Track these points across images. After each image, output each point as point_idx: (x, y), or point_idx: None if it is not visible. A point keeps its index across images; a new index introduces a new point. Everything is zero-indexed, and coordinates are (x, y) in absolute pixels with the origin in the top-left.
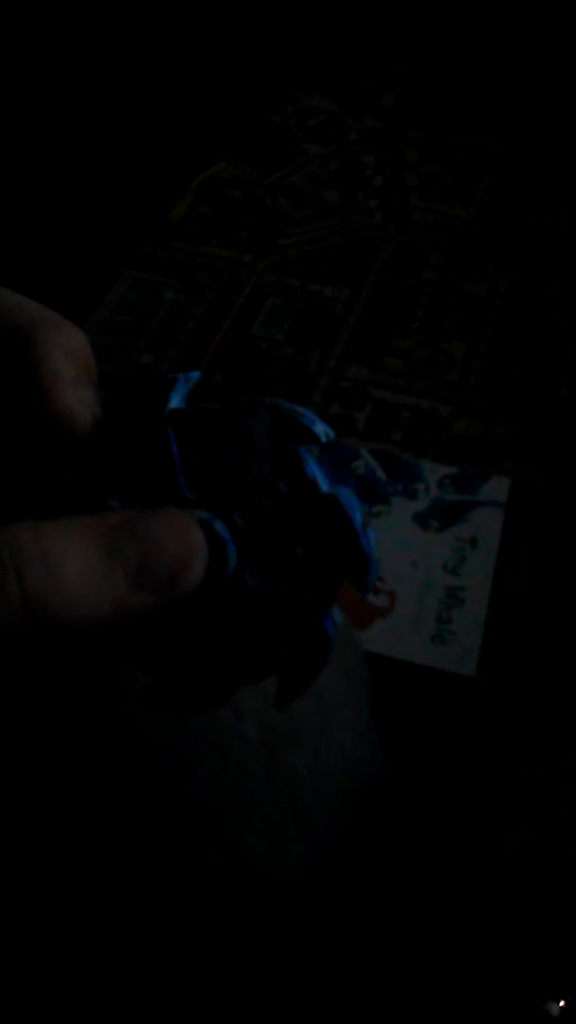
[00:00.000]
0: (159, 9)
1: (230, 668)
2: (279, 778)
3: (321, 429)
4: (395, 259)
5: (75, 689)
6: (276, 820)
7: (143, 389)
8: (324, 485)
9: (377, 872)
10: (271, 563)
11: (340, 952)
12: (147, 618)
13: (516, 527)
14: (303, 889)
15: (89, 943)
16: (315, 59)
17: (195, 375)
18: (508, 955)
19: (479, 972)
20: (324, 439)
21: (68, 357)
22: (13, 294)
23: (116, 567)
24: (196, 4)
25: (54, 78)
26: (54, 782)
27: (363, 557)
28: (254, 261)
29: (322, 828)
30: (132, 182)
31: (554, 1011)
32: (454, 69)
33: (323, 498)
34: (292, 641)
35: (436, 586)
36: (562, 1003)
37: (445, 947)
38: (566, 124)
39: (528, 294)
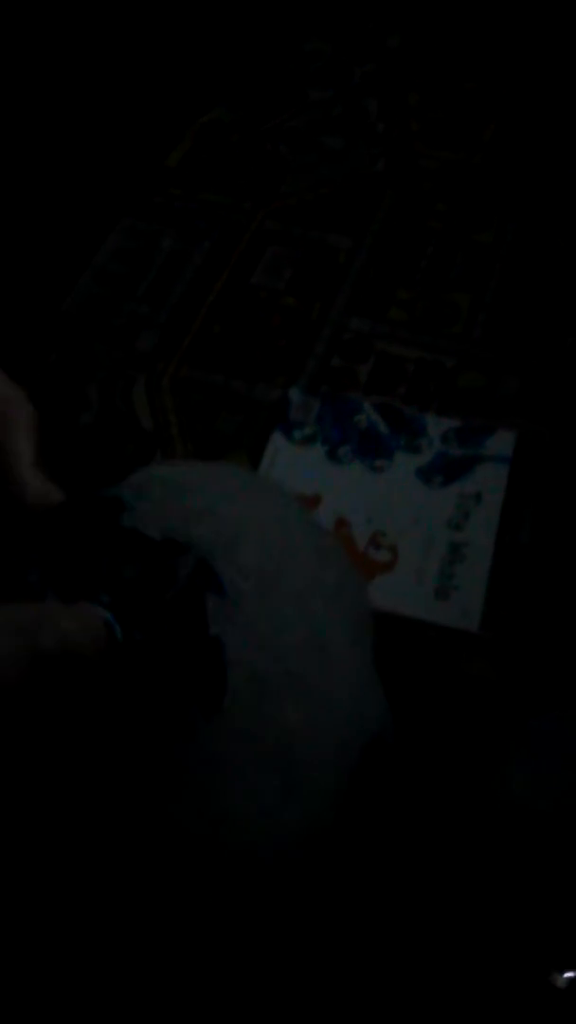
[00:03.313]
0: None
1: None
2: (270, 735)
3: (226, 590)
4: (399, 207)
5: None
6: (267, 781)
7: (95, 508)
8: (212, 630)
9: (379, 836)
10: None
11: (340, 923)
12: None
13: (522, 482)
14: (299, 855)
15: (60, 927)
16: (316, 0)
17: (141, 504)
18: (514, 927)
19: (485, 944)
20: (227, 594)
21: (30, 439)
22: None
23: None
24: None
25: (47, 22)
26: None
27: (219, 686)
28: (254, 208)
29: (319, 788)
30: (128, 127)
31: (560, 983)
32: (459, 10)
33: (209, 639)
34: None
35: (439, 542)
36: (569, 974)
37: (450, 917)
38: (575, 69)
39: (536, 243)
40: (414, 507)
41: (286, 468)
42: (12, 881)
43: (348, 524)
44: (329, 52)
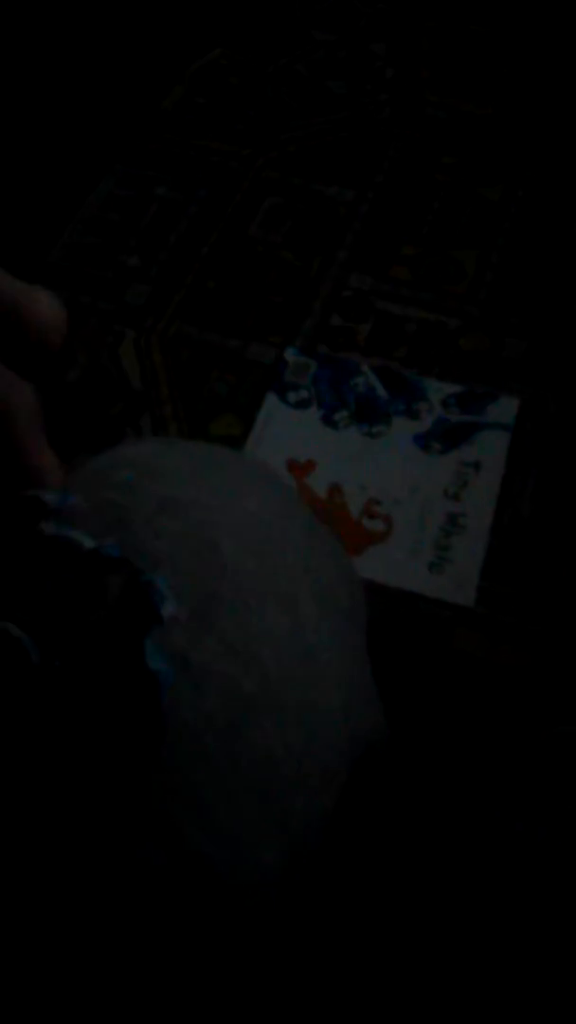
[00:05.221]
0: None
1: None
2: (247, 760)
3: (168, 611)
4: (405, 158)
5: None
6: (243, 816)
7: (17, 513)
8: (152, 665)
9: (373, 871)
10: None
11: (327, 977)
12: None
13: (524, 451)
14: (281, 902)
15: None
16: None
17: (71, 499)
18: (520, 970)
19: (489, 989)
20: (165, 619)
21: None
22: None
23: None
24: None
25: None
26: None
27: (154, 731)
28: (252, 156)
29: (304, 820)
30: (121, 68)
31: None
32: None
33: (147, 672)
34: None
35: (435, 512)
36: None
37: (451, 962)
38: None
39: (547, 200)
40: (411, 475)
41: (279, 432)
42: None
43: (342, 492)
44: None
